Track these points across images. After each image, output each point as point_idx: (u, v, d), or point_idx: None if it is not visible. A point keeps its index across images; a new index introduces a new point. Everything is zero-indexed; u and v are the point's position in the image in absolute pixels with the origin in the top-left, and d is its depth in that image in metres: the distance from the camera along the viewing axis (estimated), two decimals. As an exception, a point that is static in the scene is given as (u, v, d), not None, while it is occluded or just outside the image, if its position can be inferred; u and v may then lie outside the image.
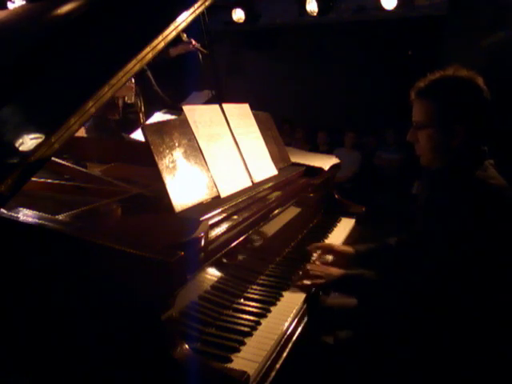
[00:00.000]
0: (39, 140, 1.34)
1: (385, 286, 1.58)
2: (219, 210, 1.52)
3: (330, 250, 1.97)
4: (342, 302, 1.92)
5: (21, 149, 1.36)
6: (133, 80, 3.20)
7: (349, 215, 2.59)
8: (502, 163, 1.59)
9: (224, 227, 1.46)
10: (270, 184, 1.96)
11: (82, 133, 2.94)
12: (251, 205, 1.70)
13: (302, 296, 1.63)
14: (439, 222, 1.47)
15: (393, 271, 1.64)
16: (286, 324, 1.45)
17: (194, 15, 1.80)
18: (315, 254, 1.97)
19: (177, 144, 1.61)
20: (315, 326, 1.64)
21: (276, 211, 1.87)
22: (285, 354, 1.35)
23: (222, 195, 1.67)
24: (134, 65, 1.53)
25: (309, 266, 1.76)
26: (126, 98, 3.19)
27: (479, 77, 1.50)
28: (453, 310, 1.46)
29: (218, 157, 1.78)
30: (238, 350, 1.27)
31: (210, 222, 1.42)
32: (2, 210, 1.30)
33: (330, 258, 1.97)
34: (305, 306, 1.59)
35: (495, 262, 1.43)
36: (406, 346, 1.53)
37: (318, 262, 1.89)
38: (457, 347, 1.47)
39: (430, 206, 1.63)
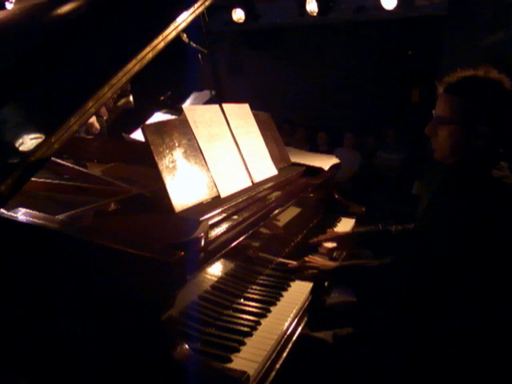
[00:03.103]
0: (39, 140, 1.34)
1: (378, 274, 1.61)
2: (219, 210, 1.52)
3: (332, 237, 2.13)
4: (342, 302, 1.92)
5: (21, 149, 1.36)
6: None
7: (349, 215, 2.59)
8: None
9: (224, 227, 1.46)
10: (270, 184, 1.96)
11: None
12: (251, 205, 1.70)
13: (302, 296, 1.63)
14: (452, 218, 1.45)
15: (388, 256, 1.67)
16: (286, 324, 1.45)
17: (193, 15, 1.80)
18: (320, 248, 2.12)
19: (177, 144, 1.61)
20: (315, 326, 1.64)
21: (276, 211, 1.87)
22: (285, 354, 1.35)
23: (222, 195, 1.67)
24: (134, 65, 1.53)
25: (307, 258, 1.84)
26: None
27: (508, 80, 1.51)
28: (458, 308, 1.46)
29: (218, 157, 1.77)
30: (238, 350, 1.27)
31: (210, 222, 1.42)
32: (2, 210, 1.30)
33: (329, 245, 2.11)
34: (305, 306, 1.60)
35: (509, 257, 1.43)
36: (406, 344, 1.53)
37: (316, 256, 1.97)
38: (456, 344, 1.47)
39: (441, 201, 1.61)
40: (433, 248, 1.47)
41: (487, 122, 1.49)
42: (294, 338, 1.44)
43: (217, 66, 2.75)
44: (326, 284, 1.83)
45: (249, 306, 1.53)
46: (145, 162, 1.85)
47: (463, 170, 1.55)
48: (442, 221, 1.48)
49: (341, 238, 2.12)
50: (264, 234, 1.80)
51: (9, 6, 4.14)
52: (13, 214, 1.31)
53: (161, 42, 1.61)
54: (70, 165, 2.07)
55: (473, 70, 1.54)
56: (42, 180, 1.83)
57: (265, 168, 2.07)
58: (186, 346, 1.15)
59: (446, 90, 1.57)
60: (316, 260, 1.82)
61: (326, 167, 2.51)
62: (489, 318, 1.46)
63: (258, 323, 1.42)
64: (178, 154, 1.59)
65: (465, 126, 1.51)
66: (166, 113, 2.87)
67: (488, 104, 1.50)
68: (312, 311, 1.62)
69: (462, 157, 1.55)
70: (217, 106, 1.96)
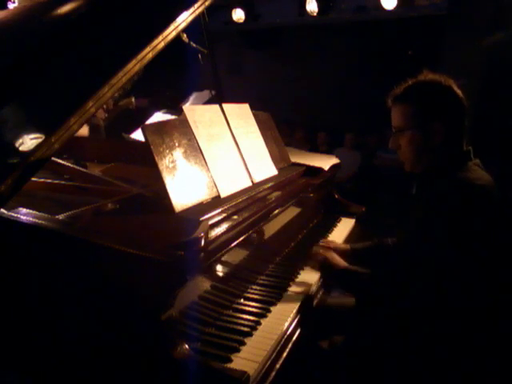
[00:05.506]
0: (39, 140, 1.34)
1: (376, 284, 1.60)
2: (219, 210, 1.52)
3: (329, 247, 2.00)
4: (341, 303, 1.92)
5: (21, 149, 1.36)
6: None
7: (349, 215, 2.59)
8: (504, 161, 1.60)
9: (224, 227, 1.46)
10: (270, 184, 1.96)
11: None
12: (251, 205, 1.70)
13: (302, 296, 1.63)
14: (426, 226, 1.47)
15: (386, 270, 1.65)
16: (286, 324, 1.45)
17: (194, 15, 1.80)
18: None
19: (177, 144, 1.61)
20: (315, 326, 1.64)
21: (276, 211, 1.87)
22: (285, 354, 1.35)
23: (222, 195, 1.67)
24: (134, 65, 1.53)
25: (321, 250, 1.81)
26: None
27: (451, 80, 1.56)
28: (446, 311, 1.45)
29: (218, 157, 1.77)
30: (238, 350, 1.27)
31: (210, 222, 1.42)
32: (2, 210, 1.30)
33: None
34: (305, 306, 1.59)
35: (484, 260, 1.44)
36: (404, 346, 1.53)
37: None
38: (453, 350, 1.47)
39: (417, 208, 1.63)
40: (413, 263, 1.48)
41: (439, 118, 1.52)
42: (294, 338, 1.44)
43: (217, 66, 2.75)
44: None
45: (249, 306, 1.53)
46: (145, 162, 1.85)
47: (431, 178, 1.58)
48: (417, 233, 1.51)
49: (337, 251, 1.96)
50: (263, 235, 1.80)
51: (11, 5, 4.14)
52: (13, 214, 1.31)
53: (161, 41, 1.61)
54: (70, 165, 2.07)
55: (414, 78, 1.60)
56: (42, 180, 1.83)
57: (265, 168, 2.07)
58: (186, 346, 1.14)
59: (394, 101, 1.62)
60: (330, 251, 1.80)
61: (326, 167, 2.51)
62: (490, 321, 1.47)
63: (258, 323, 1.42)
64: (178, 154, 1.59)
65: (420, 128, 1.55)
66: (166, 113, 2.88)
67: (434, 101, 1.55)
68: (312, 311, 1.61)
69: (429, 163, 1.57)
70: (217, 106, 1.96)
